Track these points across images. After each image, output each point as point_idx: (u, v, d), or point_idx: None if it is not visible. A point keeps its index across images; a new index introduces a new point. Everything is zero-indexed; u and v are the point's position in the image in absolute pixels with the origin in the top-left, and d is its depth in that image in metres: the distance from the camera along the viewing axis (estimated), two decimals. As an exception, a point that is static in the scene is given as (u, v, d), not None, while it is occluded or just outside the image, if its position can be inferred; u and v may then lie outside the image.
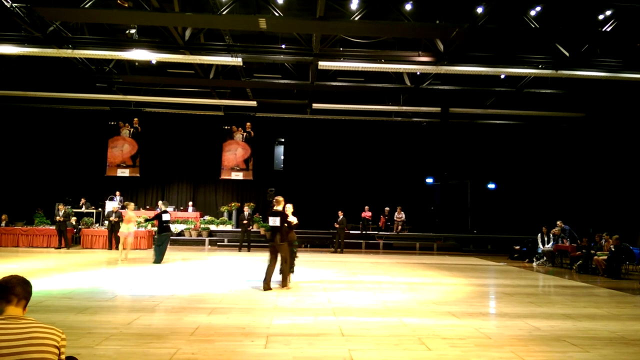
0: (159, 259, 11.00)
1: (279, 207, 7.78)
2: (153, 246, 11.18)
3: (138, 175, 19.71)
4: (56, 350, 1.99)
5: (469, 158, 20.77)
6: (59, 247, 14.40)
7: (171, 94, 18.48)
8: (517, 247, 15.24)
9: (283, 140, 21.58)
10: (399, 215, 18.38)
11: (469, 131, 20.71)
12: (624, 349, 4.72)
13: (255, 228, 16.82)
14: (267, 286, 7.58)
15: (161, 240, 11.16)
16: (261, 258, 8.51)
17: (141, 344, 4.47)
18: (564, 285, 9.52)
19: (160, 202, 12.17)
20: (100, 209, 17.69)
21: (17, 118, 19.50)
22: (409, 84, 16.39)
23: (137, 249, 14.76)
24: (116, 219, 14.55)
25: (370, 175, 20.72)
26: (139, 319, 5.44)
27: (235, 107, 19.36)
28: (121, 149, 19.67)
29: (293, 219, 8.03)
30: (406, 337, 4.93)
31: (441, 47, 12.88)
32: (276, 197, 7.95)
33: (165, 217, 11.25)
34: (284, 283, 7.86)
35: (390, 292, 7.88)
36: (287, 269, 7.90)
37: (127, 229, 11.77)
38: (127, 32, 12.88)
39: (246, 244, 15.62)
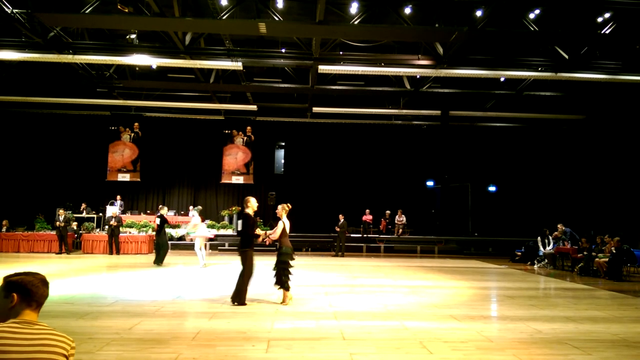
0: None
1: (248, 210, 6.82)
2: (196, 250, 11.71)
3: (139, 179, 19.77)
4: (64, 359, 1.99)
5: (469, 161, 20.78)
6: (60, 252, 14.40)
7: (171, 98, 18.54)
8: (520, 252, 15.18)
9: (283, 144, 21.60)
10: (400, 219, 18.37)
11: (469, 134, 20.74)
12: (625, 352, 4.70)
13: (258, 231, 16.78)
14: (234, 300, 6.60)
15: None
16: (263, 262, 8.48)
17: (142, 349, 4.46)
18: (565, 288, 9.51)
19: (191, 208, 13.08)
20: (101, 214, 17.69)
21: (17, 123, 19.55)
22: (409, 87, 16.41)
23: (138, 253, 14.80)
24: (116, 224, 14.57)
25: (371, 178, 20.72)
26: (140, 324, 5.44)
27: (235, 111, 19.41)
28: (122, 154, 19.73)
29: (279, 227, 6.87)
30: (407, 340, 4.92)
31: (441, 50, 12.91)
32: (246, 197, 6.99)
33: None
34: (233, 298, 6.62)
35: (392, 295, 7.87)
36: (242, 282, 6.61)
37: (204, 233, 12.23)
38: (128, 37, 12.95)
39: None
